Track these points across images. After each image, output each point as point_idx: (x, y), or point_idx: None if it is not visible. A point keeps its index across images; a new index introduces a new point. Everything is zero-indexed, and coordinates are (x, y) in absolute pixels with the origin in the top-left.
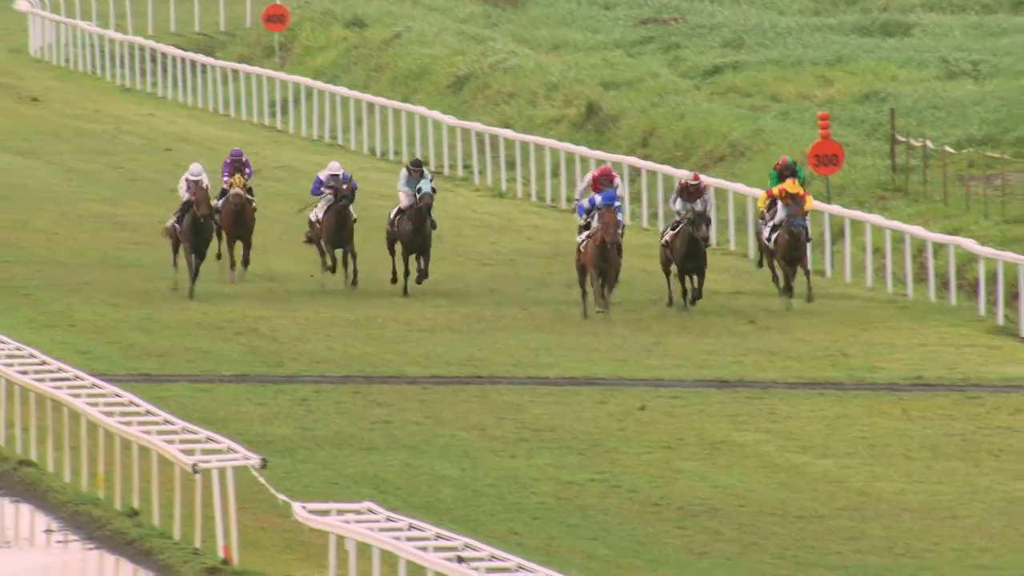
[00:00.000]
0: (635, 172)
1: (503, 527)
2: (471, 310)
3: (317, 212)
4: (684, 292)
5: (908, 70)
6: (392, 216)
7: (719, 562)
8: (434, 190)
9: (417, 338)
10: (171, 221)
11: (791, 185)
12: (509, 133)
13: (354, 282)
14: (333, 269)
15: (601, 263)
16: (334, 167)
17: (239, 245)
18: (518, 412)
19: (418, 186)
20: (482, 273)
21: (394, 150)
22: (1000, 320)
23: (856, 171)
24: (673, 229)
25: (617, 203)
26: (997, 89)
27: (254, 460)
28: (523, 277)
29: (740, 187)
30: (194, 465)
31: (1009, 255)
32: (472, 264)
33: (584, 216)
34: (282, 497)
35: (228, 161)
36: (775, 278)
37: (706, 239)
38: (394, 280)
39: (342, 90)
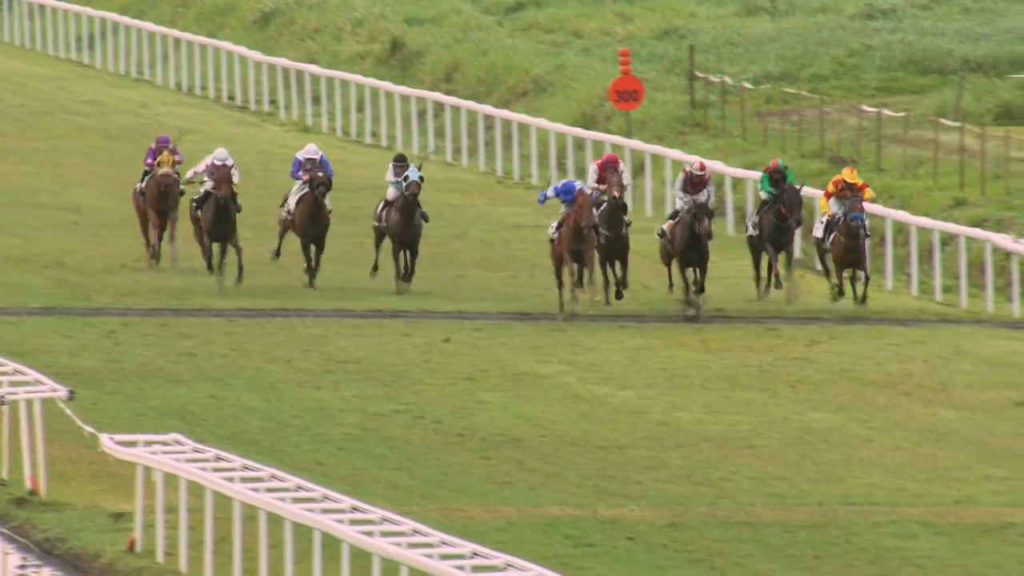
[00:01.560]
0: (439, 107)
1: (309, 458)
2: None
3: (290, 203)
4: (686, 286)
5: (707, 7)
6: (378, 210)
7: (522, 491)
8: (421, 179)
9: (224, 271)
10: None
11: (849, 175)
12: (314, 68)
13: (313, 270)
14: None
15: (576, 245)
16: (311, 150)
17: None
18: (324, 344)
19: (405, 175)
20: None
21: (200, 85)
22: (797, 253)
23: (656, 107)
24: (672, 219)
25: (585, 187)
26: (794, 26)
27: (61, 392)
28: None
29: (542, 122)
30: (1, 397)
31: (805, 189)
32: (278, 198)
33: (544, 201)
34: (89, 429)
35: (153, 148)
36: (832, 280)
37: (709, 234)
38: (375, 269)
39: (148, 25)
